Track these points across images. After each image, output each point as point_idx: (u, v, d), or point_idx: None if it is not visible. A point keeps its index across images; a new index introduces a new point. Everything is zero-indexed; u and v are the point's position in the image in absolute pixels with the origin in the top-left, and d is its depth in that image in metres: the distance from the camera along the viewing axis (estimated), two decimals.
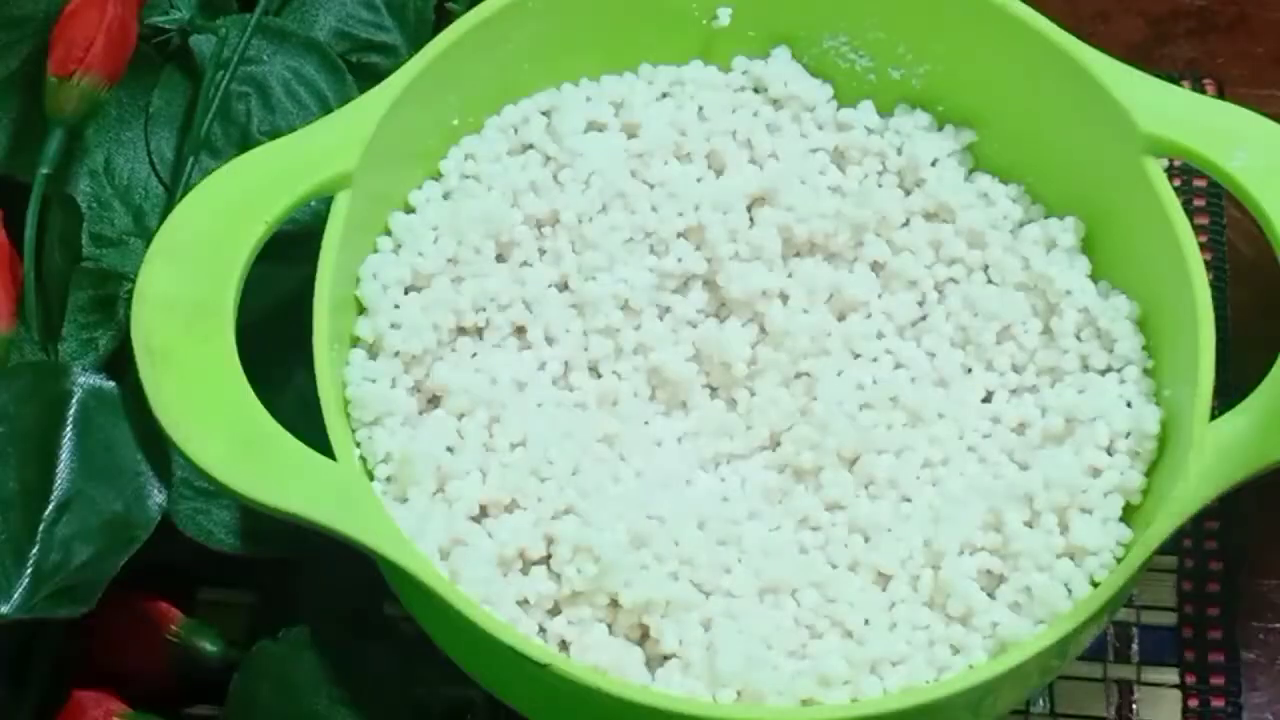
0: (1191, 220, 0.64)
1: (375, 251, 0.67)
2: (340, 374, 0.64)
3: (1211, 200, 0.75)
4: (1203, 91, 0.77)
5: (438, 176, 0.69)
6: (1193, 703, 0.68)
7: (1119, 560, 0.61)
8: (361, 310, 0.66)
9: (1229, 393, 0.71)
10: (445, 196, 0.69)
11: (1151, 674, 0.69)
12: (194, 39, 0.72)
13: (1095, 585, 0.61)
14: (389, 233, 0.67)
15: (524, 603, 0.62)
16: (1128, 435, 0.63)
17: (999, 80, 0.69)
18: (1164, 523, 0.59)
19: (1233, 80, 0.78)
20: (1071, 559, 0.62)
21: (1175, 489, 0.59)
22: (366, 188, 0.65)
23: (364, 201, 0.65)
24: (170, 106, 0.71)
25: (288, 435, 0.60)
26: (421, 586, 0.59)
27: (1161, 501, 0.60)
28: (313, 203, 0.65)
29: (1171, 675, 0.69)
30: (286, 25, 0.72)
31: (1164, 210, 0.64)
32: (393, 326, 0.65)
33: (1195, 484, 0.59)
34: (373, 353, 0.65)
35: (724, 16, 0.71)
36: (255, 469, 0.59)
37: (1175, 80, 0.67)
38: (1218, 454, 0.60)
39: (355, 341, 0.66)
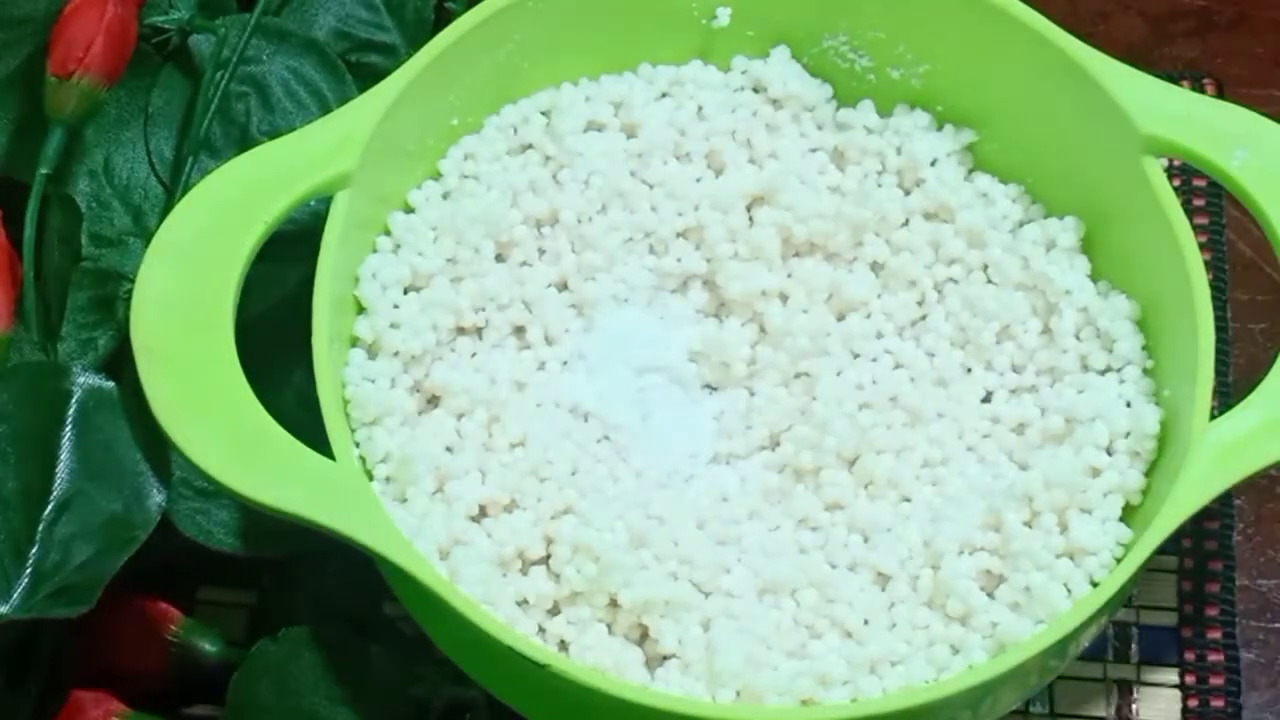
0: (1191, 220, 0.64)
1: (374, 251, 0.67)
2: (339, 374, 0.64)
3: (1211, 200, 0.75)
4: (1202, 91, 0.77)
5: (437, 176, 0.69)
6: (1192, 703, 0.68)
7: (1118, 560, 0.61)
8: (361, 310, 0.66)
9: (1228, 392, 0.71)
10: (444, 196, 0.68)
11: (1151, 674, 0.68)
12: (193, 39, 0.72)
13: (1095, 585, 0.61)
14: (388, 233, 0.67)
15: (523, 603, 0.62)
16: (1127, 435, 0.63)
17: (999, 80, 0.69)
18: (1164, 523, 0.59)
19: (1233, 80, 0.77)
20: (1071, 559, 0.62)
21: (1175, 489, 0.59)
22: (366, 188, 0.65)
23: (363, 201, 0.65)
24: (169, 106, 0.71)
25: (287, 435, 0.60)
26: (420, 587, 0.58)
27: (1161, 501, 0.60)
28: (312, 202, 0.65)
29: (1171, 675, 0.68)
30: (286, 25, 0.72)
31: (1164, 210, 0.64)
32: (392, 326, 0.65)
33: (1195, 484, 0.59)
34: (372, 353, 0.65)
35: (723, 16, 0.70)
36: (254, 469, 0.59)
37: (1175, 80, 0.67)
38: (1218, 453, 0.60)
39: (355, 341, 0.66)
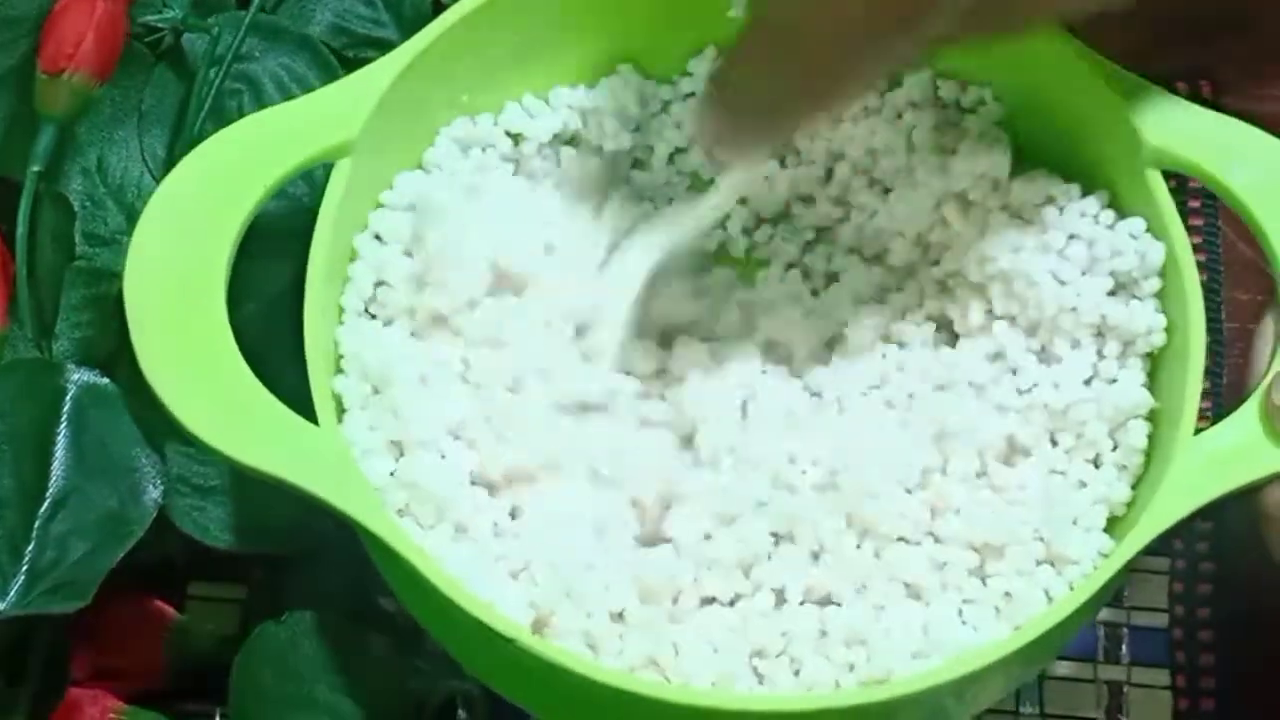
0: (1187, 222, 0.64)
1: (368, 227, 0.66)
2: (330, 343, 0.64)
3: (1206, 203, 0.75)
4: (1199, 93, 0.76)
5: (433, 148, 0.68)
6: (1183, 704, 0.68)
7: (1098, 570, 0.60)
8: (353, 276, 0.65)
9: (1221, 392, 0.71)
10: (446, 173, 0.68)
11: (1142, 675, 0.69)
12: (186, 37, 0.72)
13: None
14: (382, 205, 0.66)
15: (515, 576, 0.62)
16: (1115, 449, 0.63)
17: (1010, 85, 0.68)
18: (1142, 532, 0.59)
19: (1232, 81, 0.77)
20: (1052, 566, 0.61)
21: (1155, 500, 0.59)
22: (368, 158, 0.64)
23: (364, 172, 0.64)
24: (163, 105, 0.71)
25: (273, 399, 0.60)
26: (397, 558, 0.58)
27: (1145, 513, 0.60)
28: (305, 200, 0.65)
29: (1162, 676, 0.69)
30: (279, 22, 0.72)
31: (1165, 224, 0.63)
32: (384, 285, 0.65)
33: (1176, 496, 0.59)
34: (372, 312, 0.65)
35: (739, 8, 0.70)
36: (239, 430, 0.59)
37: (1172, 81, 0.66)
38: (1200, 467, 0.59)
39: (342, 313, 0.65)
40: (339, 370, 0.63)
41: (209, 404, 0.59)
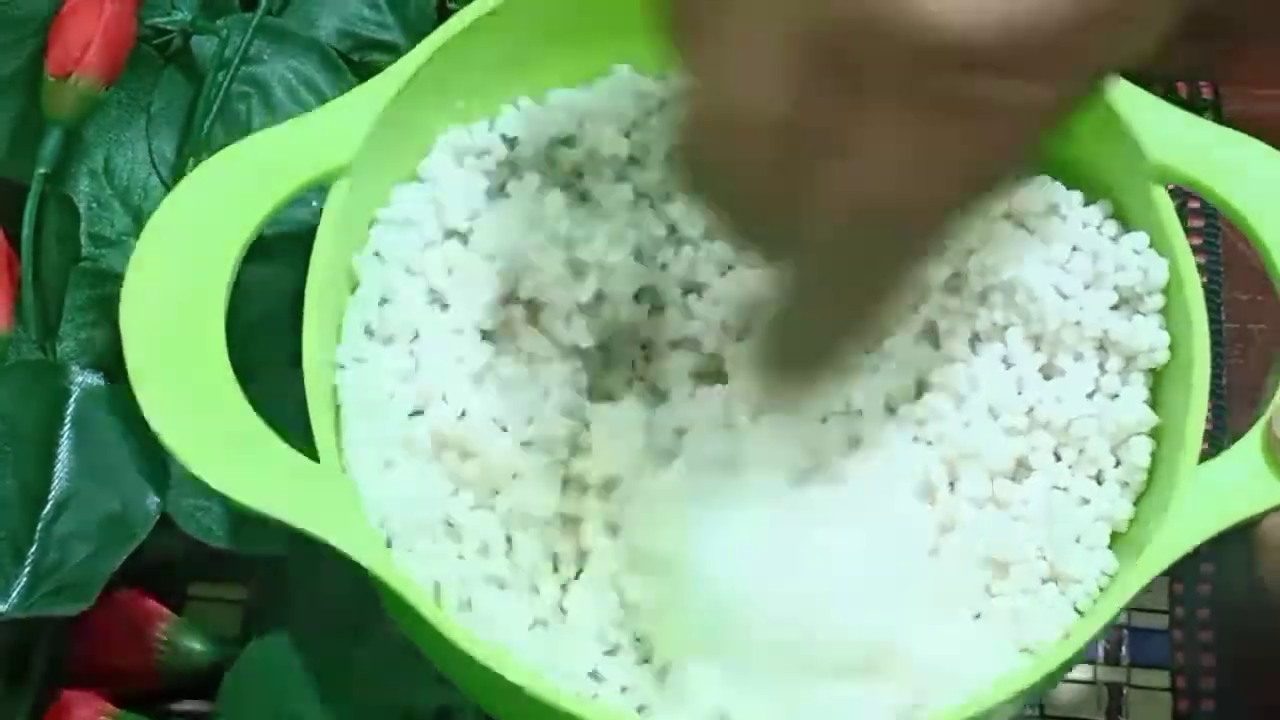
0: (1186, 221, 0.63)
1: (367, 244, 0.65)
2: (330, 369, 0.63)
3: (1206, 204, 0.74)
4: (1199, 94, 0.76)
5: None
6: (1183, 705, 0.68)
7: (1102, 590, 0.60)
8: (356, 296, 0.65)
9: (1222, 393, 0.71)
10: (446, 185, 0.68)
11: (1142, 677, 0.69)
12: (195, 40, 0.72)
13: (1079, 612, 0.60)
14: (379, 221, 0.66)
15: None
16: (1117, 465, 0.63)
17: None
18: (1148, 566, 0.58)
19: (1232, 80, 0.77)
20: (1056, 584, 0.61)
21: (1160, 534, 0.59)
22: (365, 176, 0.64)
23: (363, 191, 0.64)
24: (171, 107, 0.71)
25: (272, 434, 0.59)
26: (399, 599, 0.58)
27: (1146, 528, 0.60)
28: (314, 203, 0.65)
29: (1162, 678, 0.69)
30: (287, 25, 0.72)
31: (1169, 241, 0.63)
32: (388, 303, 0.64)
33: (1181, 530, 0.59)
34: (372, 329, 0.64)
35: None
36: (237, 467, 0.58)
37: (1173, 80, 0.66)
38: (1206, 499, 0.59)
39: (341, 336, 0.64)
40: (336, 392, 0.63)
41: (207, 440, 0.58)
